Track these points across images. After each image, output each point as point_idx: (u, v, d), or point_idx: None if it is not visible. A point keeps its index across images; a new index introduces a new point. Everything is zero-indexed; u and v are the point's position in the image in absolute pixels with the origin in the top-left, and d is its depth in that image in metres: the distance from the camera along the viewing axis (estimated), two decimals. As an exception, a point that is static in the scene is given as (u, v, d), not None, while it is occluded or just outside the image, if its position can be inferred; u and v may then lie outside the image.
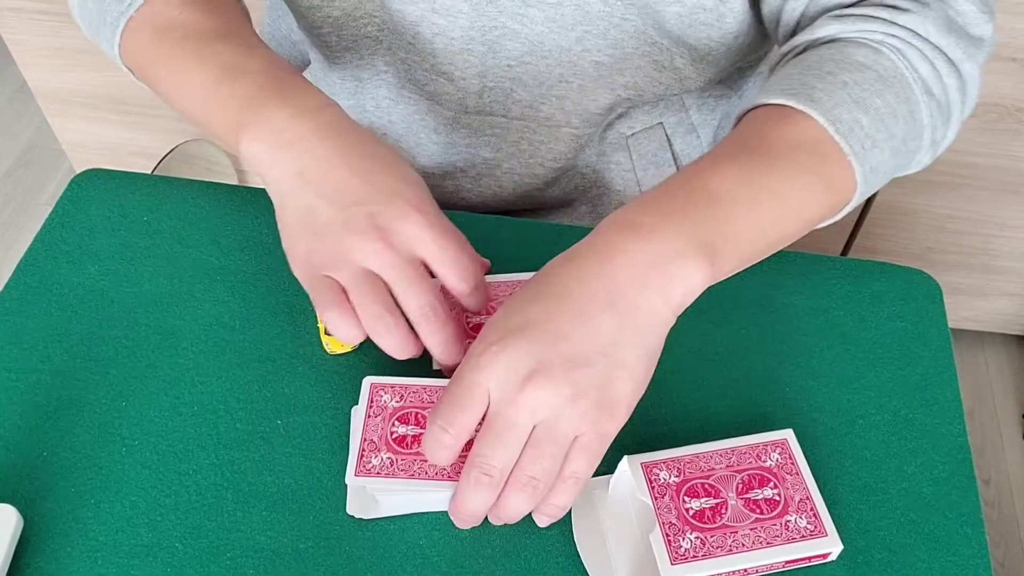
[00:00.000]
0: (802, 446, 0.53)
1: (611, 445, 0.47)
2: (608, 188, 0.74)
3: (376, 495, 0.51)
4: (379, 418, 0.52)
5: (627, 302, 0.45)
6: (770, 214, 0.49)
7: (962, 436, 0.56)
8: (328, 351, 0.58)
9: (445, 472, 0.50)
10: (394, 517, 0.52)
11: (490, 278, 0.58)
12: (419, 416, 0.52)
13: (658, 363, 0.59)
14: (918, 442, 0.56)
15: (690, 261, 0.46)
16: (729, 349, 0.60)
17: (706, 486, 0.50)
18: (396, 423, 0.52)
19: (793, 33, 0.61)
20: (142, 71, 0.60)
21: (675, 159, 0.74)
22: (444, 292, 0.53)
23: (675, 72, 0.66)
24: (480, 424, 0.46)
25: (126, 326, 0.60)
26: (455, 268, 0.51)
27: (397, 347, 0.50)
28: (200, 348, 0.59)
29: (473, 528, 0.52)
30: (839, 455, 0.55)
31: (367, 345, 0.59)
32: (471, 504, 0.47)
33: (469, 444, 0.48)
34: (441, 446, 0.47)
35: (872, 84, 0.53)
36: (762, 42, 0.70)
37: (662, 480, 0.50)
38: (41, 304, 0.61)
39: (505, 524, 0.50)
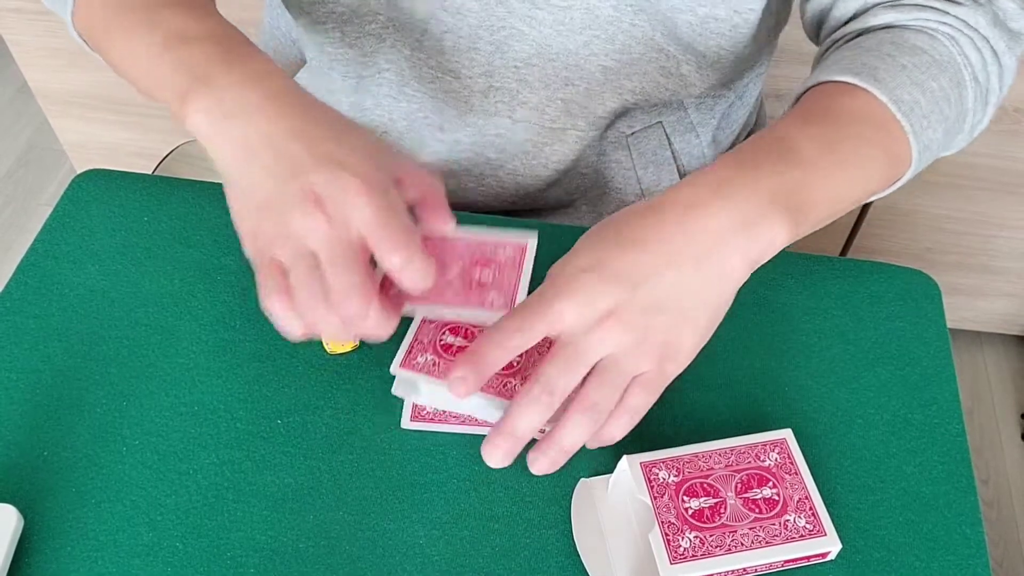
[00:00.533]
0: (801, 446, 0.53)
1: (610, 445, 0.48)
2: (609, 187, 0.75)
3: (418, 384, 0.53)
4: (432, 324, 0.55)
5: (709, 258, 0.47)
6: (844, 182, 0.51)
7: (961, 436, 0.56)
8: (328, 351, 0.59)
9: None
10: (393, 517, 0.52)
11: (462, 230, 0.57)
12: (468, 331, 0.55)
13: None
14: (917, 442, 0.56)
15: (776, 222, 0.47)
16: (728, 349, 0.60)
17: (705, 486, 0.50)
18: (447, 332, 0.55)
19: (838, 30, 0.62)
20: (94, 39, 0.58)
21: (675, 157, 0.74)
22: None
23: (681, 79, 0.66)
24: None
25: (127, 326, 0.60)
26: (384, 241, 0.47)
27: (330, 336, 0.50)
28: (200, 348, 0.59)
29: (473, 528, 0.52)
30: (838, 455, 0.55)
31: (368, 345, 0.59)
32: (524, 421, 0.46)
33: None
34: (503, 348, 0.46)
35: (928, 67, 0.55)
36: (765, 47, 0.71)
37: (661, 480, 0.50)
38: (42, 304, 0.61)
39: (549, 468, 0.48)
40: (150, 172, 1.38)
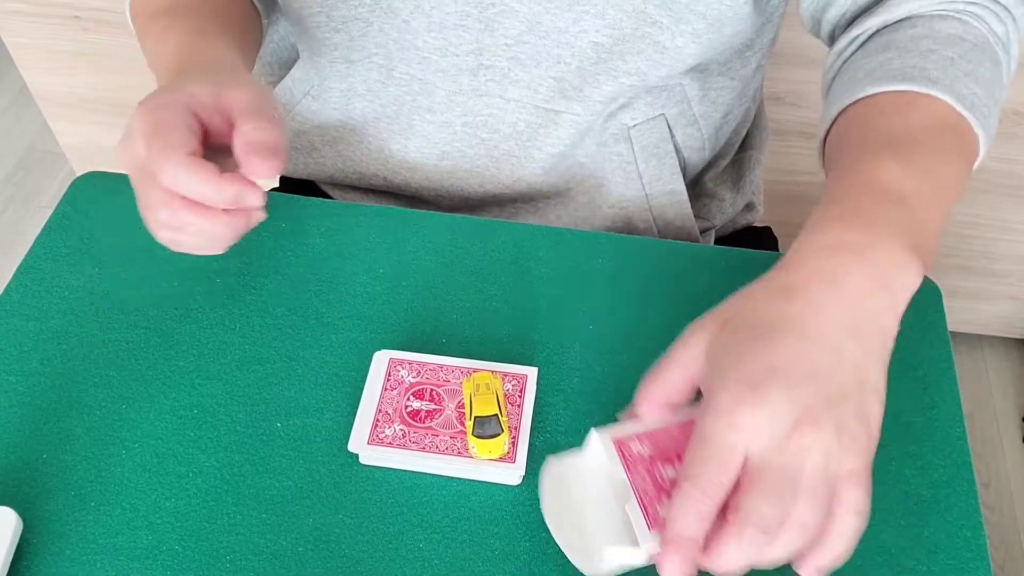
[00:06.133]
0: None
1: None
2: (607, 179, 0.74)
3: (390, 456, 0.53)
4: (395, 392, 0.55)
5: (866, 325, 0.45)
6: (946, 202, 0.51)
7: (962, 439, 0.56)
8: (474, 455, 0.53)
9: (456, 447, 0.53)
10: (392, 520, 0.52)
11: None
12: (433, 393, 0.55)
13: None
14: (918, 445, 0.56)
15: (911, 269, 0.46)
16: (729, 352, 0.60)
17: (680, 454, 0.46)
18: (412, 398, 0.54)
19: (842, 21, 0.63)
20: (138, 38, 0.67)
21: (677, 151, 0.74)
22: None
23: (676, 52, 0.65)
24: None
25: (126, 328, 0.60)
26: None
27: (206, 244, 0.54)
28: (199, 351, 0.59)
29: (472, 532, 0.52)
30: (839, 458, 0.55)
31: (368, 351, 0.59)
32: (735, 562, 0.41)
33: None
34: (698, 517, 0.41)
35: (971, 54, 0.55)
36: (764, 21, 0.70)
37: (635, 452, 0.47)
38: (41, 307, 0.61)
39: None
40: (150, 175, 1.37)
